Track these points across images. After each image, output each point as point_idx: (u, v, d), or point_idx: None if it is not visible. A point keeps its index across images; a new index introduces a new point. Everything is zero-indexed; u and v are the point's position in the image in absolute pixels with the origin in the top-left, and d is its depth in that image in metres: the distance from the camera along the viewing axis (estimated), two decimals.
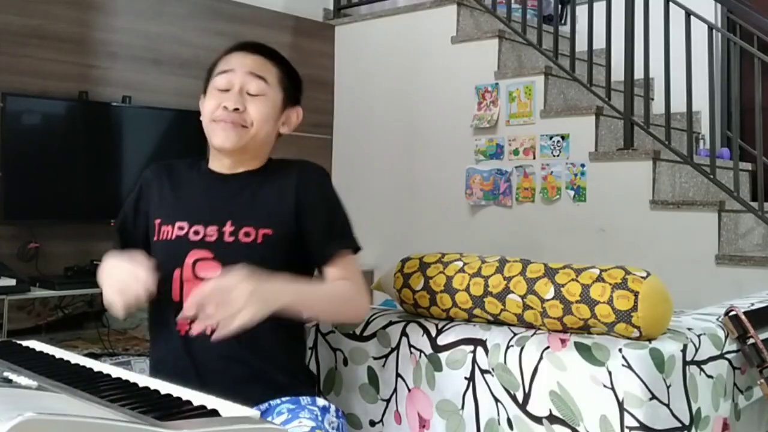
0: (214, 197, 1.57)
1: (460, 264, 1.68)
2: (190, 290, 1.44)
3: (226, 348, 1.40)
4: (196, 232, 1.52)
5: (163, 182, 1.60)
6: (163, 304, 1.49)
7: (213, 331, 1.30)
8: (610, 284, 1.44)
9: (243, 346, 1.45)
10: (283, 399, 1.50)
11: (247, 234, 1.51)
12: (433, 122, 3.98)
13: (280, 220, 1.53)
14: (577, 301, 1.46)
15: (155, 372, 1.51)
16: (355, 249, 1.57)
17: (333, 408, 1.54)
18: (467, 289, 1.62)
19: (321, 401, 1.53)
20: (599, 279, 1.46)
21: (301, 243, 1.55)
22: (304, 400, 1.51)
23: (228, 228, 1.51)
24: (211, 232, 1.51)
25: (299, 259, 1.55)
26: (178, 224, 1.53)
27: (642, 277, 1.44)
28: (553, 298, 1.49)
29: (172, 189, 1.59)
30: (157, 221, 1.56)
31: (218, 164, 1.61)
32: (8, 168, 3.06)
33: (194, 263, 1.50)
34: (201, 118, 1.60)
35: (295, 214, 1.54)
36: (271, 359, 1.52)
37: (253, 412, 0.95)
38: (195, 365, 1.47)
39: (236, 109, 1.53)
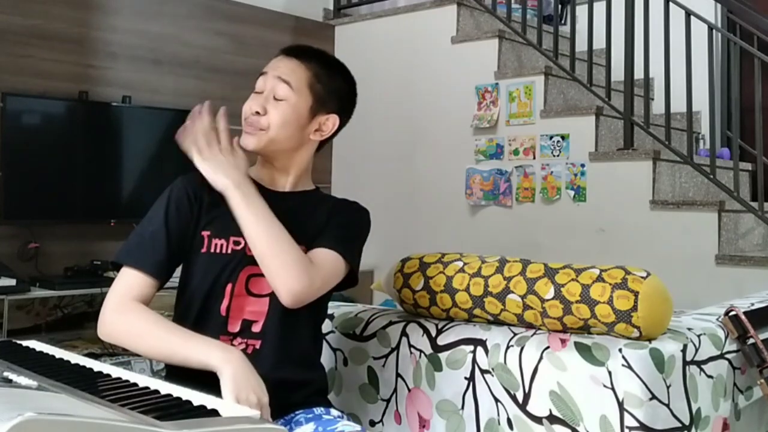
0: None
1: (460, 264, 1.68)
2: (240, 306, 1.46)
3: (271, 359, 1.43)
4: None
5: (203, 194, 1.51)
6: (208, 316, 1.46)
7: (254, 350, 1.39)
8: (610, 284, 1.44)
9: (285, 356, 1.46)
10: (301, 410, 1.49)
11: None
12: (433, 122, 3.98)
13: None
14: (577, 301, 1.45)
15: (179, 380, 1.29)
16: (348, 262, 1.52)
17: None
18: (467, 289, 1.62)
19: (335, 411, 1.53)
20: (599, 279, 1.46)
21: None
22: (318, 410, 1.50)
23: None
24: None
25: None
26: (233, 239, 1.49)
27: (642, 277, 1.44)
28: (553, 298, 1.49)
29: (217, 204, 1.49)
30: (206, 233, 1.49)
31: (266, 179, 1.58)
32: (8, 168, 3.07)
33: (248, 279, 1.49)
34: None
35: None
36: (310, 367, 1.55)
37: (253, 412, 0.95)
38: None
39: (257, 113, 1.53)
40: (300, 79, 1.54)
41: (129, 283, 1.44)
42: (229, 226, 1.47)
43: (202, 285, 1.46)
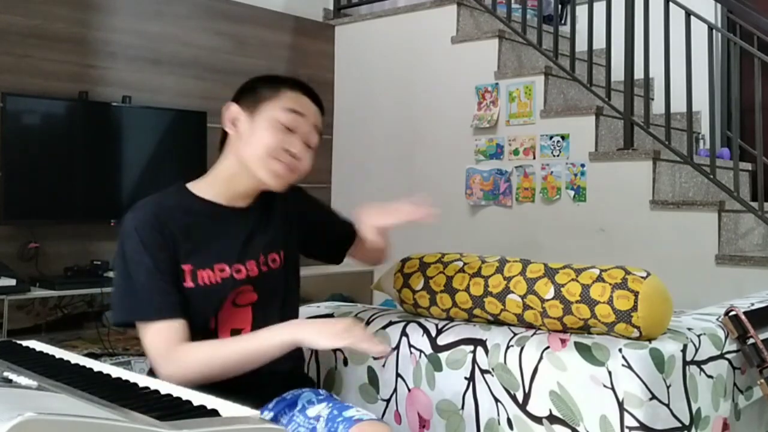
0: (240, 233, 1.55)
1: (460, 264, 1.68)
2: (226, 318, 1.51)
3: None
4: (238, 271, 1.51)
5: (167, 228, 1.48)
6: (197, 333, 1.47)
7: None
8: (610, 284, 1.44)
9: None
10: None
11: (273, 260, 1.58)
12: (433, 122, 3.98)
13: (289, 239, 1.62)
14: (577, 301, 1.46)
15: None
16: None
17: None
18: (467, 289, 1.62)
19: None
20: (599, 279, 1.46)
21: (317, 238, 1.72)
22: (323, 391, 1.61)
23: (261, 259, 1.55)
24: (251, 267, 1.53)
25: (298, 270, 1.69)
26: (217, 267, 1.50)
27: (642, 277, 1.44)
28: (553, 298, 1.49)
29: (187, 233, 1.49)
30: (188, 267, 1.48)
31: (230, 196, 1.56)
32: (8, 168, 3.07)
33: (235, 296, 1.53)
34: (249, 144, 1.51)
35: (298, 225, 1.65)
36: (295, 356, 1.62)
37: (253, 412, 0.95)
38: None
39: (296, 156, 1.53)
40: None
41: (163, 336, 1.42)
42: (210, 255, 1.50)
43: (194, 315, 1.46)
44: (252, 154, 1.51)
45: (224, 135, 1.58)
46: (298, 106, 1.54)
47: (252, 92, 1.55)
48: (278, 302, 1.58)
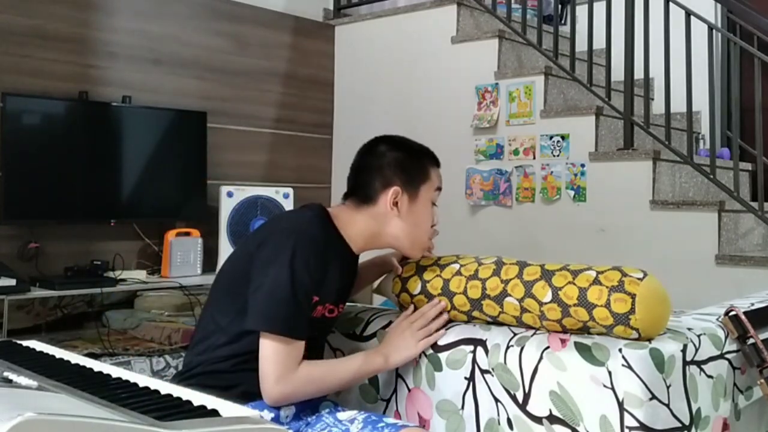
0: (345, 277, 1.70)
1: (456, 267, 1.68)
2: None
3: None
4: (331, 311, 1.66)
5: (322, 257, 1.57)
6: None
7: None
8: (607, 287, 1.43)
9: None
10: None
11: (341, 308, 1.73)
12: (433, 122, 3.98)
13: None
14: (574, 305, 1.45)
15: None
16: None
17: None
18: (465, 292, 1.62)
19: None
20: (596, 282, 1.45)
21: None
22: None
23: (341, 306, 1.72)
24: (340, 309, 1.71)
25: None
26: (329, 306, 1.64)
27: (639, 279, 1.43)
28: (551, 302, 1.49)
29: (326, 267, 1.59)
30: (315, 298, 1.57)
31: (360, 248, 1.70)
32: (8, 168, 3.07)
33: None
34: (408, 224, 1.69)
35: None
36: None
37: (253, 412, 0.94)
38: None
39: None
40: None
41: (293, 354, 1.49)
42: (332, 292, 1.62)
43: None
44: (411, 233, 1.69)
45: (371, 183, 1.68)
46: (440, 182, 1.75)
47: (407, 173, 1.68)
48: (323, 342, 1.77)
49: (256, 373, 1.49)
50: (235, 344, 1.53)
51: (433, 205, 1.72)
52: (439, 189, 1.73)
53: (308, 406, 1.60)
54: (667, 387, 1.38)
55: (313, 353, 1.61)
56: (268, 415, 1.52)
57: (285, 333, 1.47)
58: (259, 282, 1.49)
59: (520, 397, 1.50)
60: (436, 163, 1.76)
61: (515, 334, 1.55)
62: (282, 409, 1.55)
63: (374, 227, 1.67)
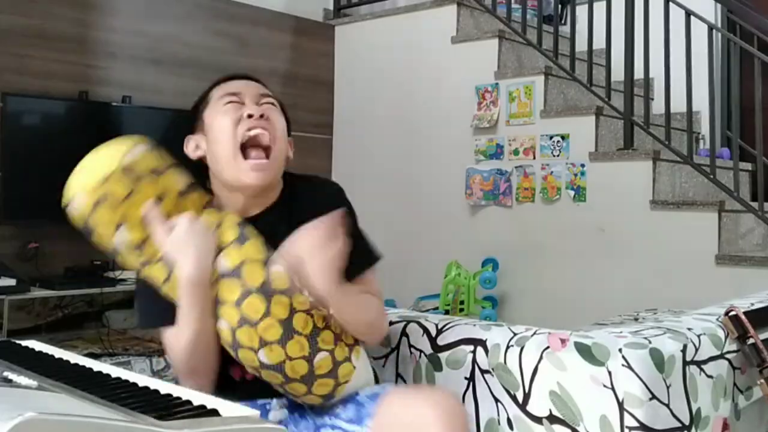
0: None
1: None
2: None
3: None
4: None
5: None
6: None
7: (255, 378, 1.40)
8: None
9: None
10: None
11: None
12: (432, 122, 3.98)
13: None
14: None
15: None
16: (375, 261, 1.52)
17: None
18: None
19: None
20: None
21: None
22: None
23: None
24: None
25: None
26: None
27: None
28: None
29: None
30: None
31: (230, 207, 1.46)
32: (8, 168, 3.07)
33: None
34: (212, 157, 1.45)
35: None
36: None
37: (253, 412, 0.94)
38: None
39: (261, 116, 1.42)
40: (274, 98, 1.57)
41: None
42: None
43: None
44: (220, 163, 1.44)
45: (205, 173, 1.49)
46: (229, 90, 1.47)
47: (192, 120, 1.52)
48: None
49: None
50: None
51: (232, 102, 1.44)
52: (232, 93, 1.45)
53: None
54: (667, 387, 1.38)
55: None
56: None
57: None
58: None
59: (520, 397, 1.50)
60: (217, 83, 1.51)
61: (515, 334, 1.55)
62: (270, 413, 1.51)
63: (215, 183, 1.49)
